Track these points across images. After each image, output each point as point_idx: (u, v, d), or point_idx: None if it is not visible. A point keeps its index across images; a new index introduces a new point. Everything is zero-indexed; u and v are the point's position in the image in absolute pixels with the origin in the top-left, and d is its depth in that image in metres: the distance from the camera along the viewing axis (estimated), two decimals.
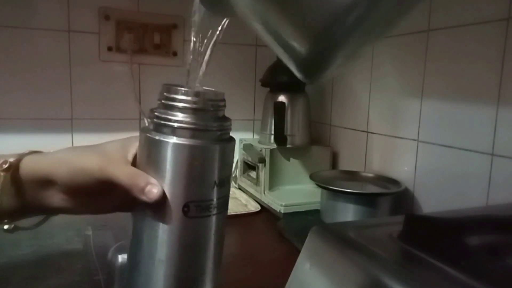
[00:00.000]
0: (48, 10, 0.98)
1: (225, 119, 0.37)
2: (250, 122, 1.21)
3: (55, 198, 0.40)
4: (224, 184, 0.36)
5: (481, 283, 0.33)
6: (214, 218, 0.36)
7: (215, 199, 0.36)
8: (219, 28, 0.36)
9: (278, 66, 0.99)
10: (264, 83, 1.04)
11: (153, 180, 0.34)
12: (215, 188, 0.35)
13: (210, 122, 0.35)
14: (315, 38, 0.26)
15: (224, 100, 0.36)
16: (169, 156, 0.34)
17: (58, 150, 0.41)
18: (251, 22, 0.31)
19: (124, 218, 0.44)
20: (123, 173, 0.36)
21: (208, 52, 0.36)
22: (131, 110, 1.08)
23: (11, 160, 0.39)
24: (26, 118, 0.99)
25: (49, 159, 0.40)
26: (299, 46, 0.27)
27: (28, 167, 0.39)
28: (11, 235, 0.40)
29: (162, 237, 0.35)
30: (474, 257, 0.39)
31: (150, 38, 1.06)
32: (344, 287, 0.38)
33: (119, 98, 1.07)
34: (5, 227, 0.40)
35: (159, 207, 0.34)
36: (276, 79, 1.00)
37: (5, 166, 0.38)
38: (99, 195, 0.40)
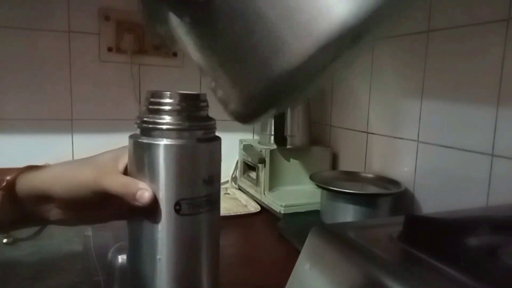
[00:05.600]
0: (49, 11, 0.98)
1: (209, 118, 0.39)
2: None
3: (53, 212, 0.41)
4: (213, 181, 0.38)
5: (481, 284, 0.33)
6: (206, 215, 0.38)
7: (205, 196, 0.37)
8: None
9: None
10: None
11: (142, 185, 0.36)
12: (204, 185, 0.37)
13: (195, 122, 0.37)
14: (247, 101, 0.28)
15: (206, 100, 0.39)
16: (158, 157, 0.36)
17: (54, 165, 0.42)
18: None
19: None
20: (116, 183, 0.37)
21: None
22: (131, 111, 1.08)
23: (8, 178, 0.40)
24: (26, 119, 0.99)
25: (45, 176, 0.41)
26: (236, 102, 0.29)
27: (24, 184, 0.40)
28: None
29: (158, 236, 0.36)
30: (474, 258, 0.39)
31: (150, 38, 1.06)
32: None
33: (119, 98, 1.07)
34: (4, 240, 0.41)
35: (153, 208, 0.36)
36: None
37: (1, 185, 0.39)
38: (96, 206, 0.41)
